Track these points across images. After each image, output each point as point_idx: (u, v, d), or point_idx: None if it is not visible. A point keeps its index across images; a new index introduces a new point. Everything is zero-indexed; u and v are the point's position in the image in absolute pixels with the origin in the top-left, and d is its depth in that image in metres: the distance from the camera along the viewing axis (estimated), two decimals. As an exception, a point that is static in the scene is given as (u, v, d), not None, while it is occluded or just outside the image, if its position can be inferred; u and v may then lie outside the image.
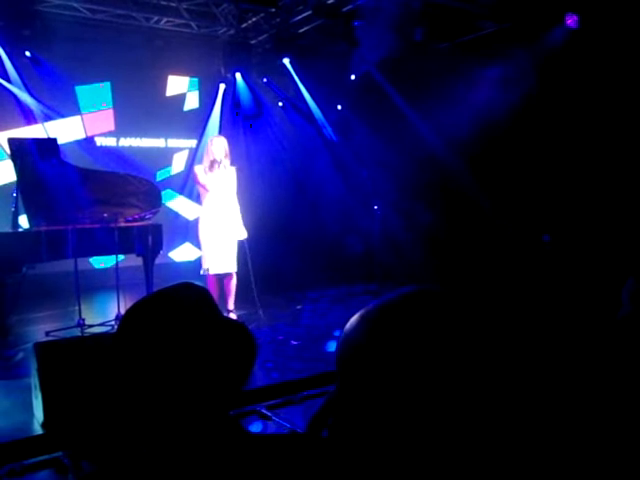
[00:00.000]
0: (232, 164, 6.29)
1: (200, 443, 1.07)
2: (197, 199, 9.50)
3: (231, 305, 6.36)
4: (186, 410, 1.06)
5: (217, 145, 6.14)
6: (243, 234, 6.27)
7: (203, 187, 6.13)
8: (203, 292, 1.15)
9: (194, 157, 9.79)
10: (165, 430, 1.06)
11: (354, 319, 0.91)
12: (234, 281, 6.29)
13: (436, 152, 8.00)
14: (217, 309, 1.14)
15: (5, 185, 8.32)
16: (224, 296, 6.31)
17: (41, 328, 6.20)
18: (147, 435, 1.09)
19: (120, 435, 3.14)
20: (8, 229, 5.87)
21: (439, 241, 8.02)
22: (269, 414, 3.94)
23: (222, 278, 6.26)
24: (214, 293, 6.12)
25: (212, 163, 6.10)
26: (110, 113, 9.45)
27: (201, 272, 6.12)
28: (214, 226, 6.07)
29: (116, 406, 1.08)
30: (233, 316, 6.31)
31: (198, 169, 6.21)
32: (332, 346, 5.44)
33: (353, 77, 9.08)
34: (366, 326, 0.88)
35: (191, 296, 1.13)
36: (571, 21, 7.16)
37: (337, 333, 5.88)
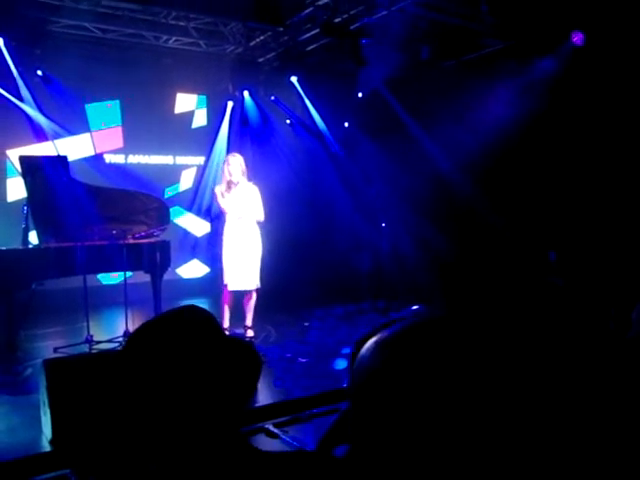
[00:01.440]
0: (249, 180, 6.32)
1: (209, 460, 1.08)
2: (205, 216, 9.60)
3: (249, 322, 6.36)
4: (193, 427, 1.07)
5: (233, 164, 6.17)
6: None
7: (222, 208, 6.20)
8: (206, 314, 1.17)
9: (202, 174, 9.86)
10: (173, 447, 1.07)
11: (369, 345, 0.92)
12: (254, 299, 6.31)
13: (443, 169, 8.02)
14: (220, 329, 1.16)
15: (15, 201, 8.39)
16: (242, 312, 6.33)
17: (49, 344, 6.21)
18: (155, 453, 1.10)
19: (128, 453, 3.14)
20: (18, 245, 5.92)
21: (447, 258, 8.01)
22: (277, 432, 3.93)
23: (241, 295, 6.30)
24: (228, 308, 6.16)
25: (229, 184, 6.14)
26: (119, 130, 9.54)
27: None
28: (234, 244, 6.14)
29: (123, 424, 1.09)
30: (250, 333, 6.32)
31: (217, 189, 6.26)
32: (340, 364, 5.43)
33: (360, 95, 9.14)
34: (381, 353, 0.89)
35: (194, 318, 1.15)
36: (577, 39, 7.20)
37: (345, 351, 5.86)
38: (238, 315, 6.38)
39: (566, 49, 7.25)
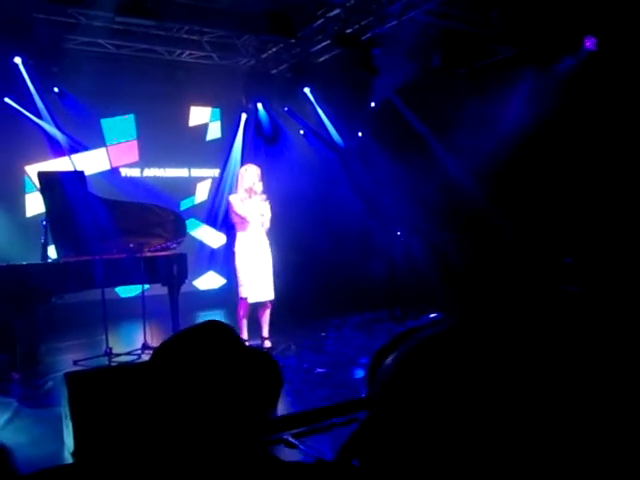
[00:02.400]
0: (263, 193, 6.29)
1: (231, 471, 1.10)
2: (221, 227, 9.64)
3: (266, 332, 6.36)
4: (216, 439, 1.09)
5: (251, 173, 6.19)
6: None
7: (242, 217, 6.14)
8: (228, 328, 1.20)
9: (218, 186, 9.93)
10: (196, 458, 1.10)
11: (390, 358, 0.94)
12: (269, 309, 6.31)
13: (457, 176, 8.02)
14: (243, 343, 1.19)
15: (34, 217, 8.49)
16: (258, 323, 6.32)
17: (69, 357, 6.28)
18: (178, 464, 1.12)
19: (149, 464, 3.17)
20: (38, 260, 5.99)
21: (462, 266, 8.00)
22: (295, 442, 3.94)
23: (257, 306, 6.27)
24: (245, 320, 6.15)
25: (250, 191, 6.14)
26: (134, 144, 9.63)
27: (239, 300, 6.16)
28: (250, 255, 6.10)
29: (147, 436, 1.11)
30: (268, 343, 6.31)
31: (234, 199, 6.21)
32: (358, 373, 5.43)
33: (373, 104, 9.17)
34: (402, 366, 0.91)
35: (218, 332, 1.17)
36: (590, 43, 7.19)
37: (363, 360, 5.86)
38: (251, 326, 6.38)
39: (579, 54, 7.24)
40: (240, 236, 6.21)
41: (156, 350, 1.15)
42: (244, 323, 6.19)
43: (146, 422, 1.15)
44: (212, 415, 1.08)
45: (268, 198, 6.31)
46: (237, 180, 6.37)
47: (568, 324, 1.33)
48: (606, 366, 1.18)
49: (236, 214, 6.18)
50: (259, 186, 6.16)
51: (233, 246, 6.35)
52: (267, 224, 6.27)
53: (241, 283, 6.13)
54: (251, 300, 6.10)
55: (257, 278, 6.08)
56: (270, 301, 6.25)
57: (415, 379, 0.88)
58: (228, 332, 1.18)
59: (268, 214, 6.25)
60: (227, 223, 8.25)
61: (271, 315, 6.35)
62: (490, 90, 7.78)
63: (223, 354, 1.13)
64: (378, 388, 0.94)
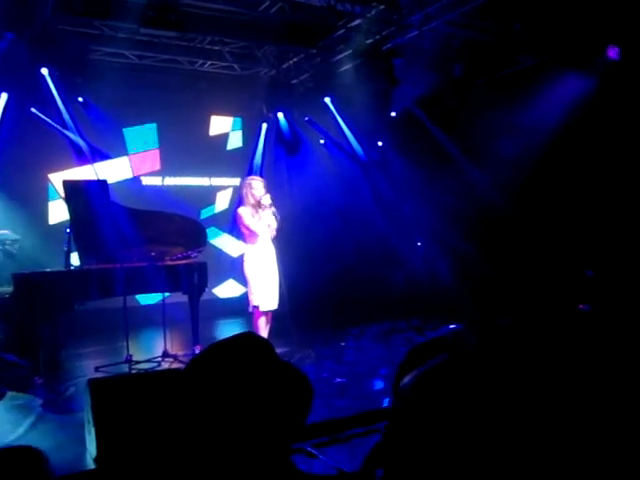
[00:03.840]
0: (272, 205, 6.16)
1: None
2: (240, 236, 9.68)
3: None
4: (245, 451, 1.11)
5: (258, 186, 6.09)
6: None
7: (252, 231, 6.04)
8: (262, 341, 1.21)
9: (238, 195, 9.99)
10: (225, 468, 1.11)
11: (414, 375, 0.96)
12: (271, 317, 6.26)
13: (478, 187, 7.99)
14: (276, 356, 1.20)
15: (57, 224, 8.62)
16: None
17: (90, 363, 6.34)
18: (206, 473, 1.14)
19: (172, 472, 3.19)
20: (61, 267, 6.07)
21: (483, 277, 7.96)
22: (315, 452, 3.94)
23: (265, 314, 6.21)
24: (261, 329, 6.13)
25: (259, 205, 6.05)
26: (156, 153, 9.74)
27: (250, 309, 6.12)
28: (262, 264, 6.06)
29: (172, 444, 1.13)
30: None
31: (244, 212, 6.09)
32: (377, 384, 5.42)
33: (393, 114, 9.19)
34: (426, 384, 0.93)
35: (251, 345, 1.19)
36: (613, 53, 7.14)
37: (382, 371, 5.84)
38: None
39: (602, 63, 7.19)
40: (250, 247, 6.14)
41: (191, 361, 1.18)
42: (260, 330, 6.13)
43: (174, 429, 1.17)
44: (241, 427, 1.09)
45: (275, 208, 6.18)
46: (243, 192, 6.21)
47: (582, 346, 1.33)
48: (620, 387, 1.18)
49: (246, 227, 6.08)
50: (267, 199, 6.05)
51: (243, 255, 6.28)
52: (273, 233, 6.22)
53: (253, 291, 6.07)
54: (262, 308, 6.06)
55: (267, 287, 6.06)
56: (272, 310, 6.22)
57: (434, 397, 0.90)
58: (262, 345, 1.20)
59: (274, 224, 6.18)
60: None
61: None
62: (511, 99, 7.74)
63: (256, 367, 1.14)
64: (399, 404, 0.95)
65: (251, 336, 1.22)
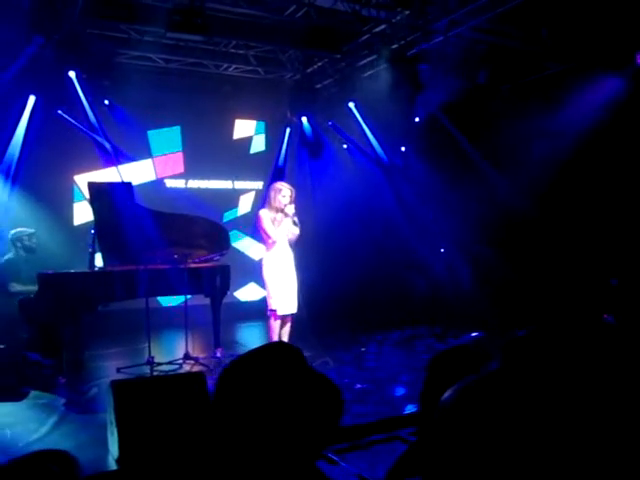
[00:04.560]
0: (295, 216, 6.09)
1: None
2: (260, 240, 9.70)
3: None
4: (276, 459, 1.11)
5: (285, 194, 6.02)
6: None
7: (270, 236, 6.01)
8: (294, 350, 1.21)
9: (261, 199, 10.02)
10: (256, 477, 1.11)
11: (453, 391, 0.97)
12: (291, 322, 6.23)
13: (502, 193, 7.92)
14: (307, 365, 1.20)
15: (81, 225, 8.71)
16: (280, 336, 6.19)
17: (112, 364, 6.39)
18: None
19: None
20: (85, 268, 6.13)
21: (505, 283, 7.89)
22: (336, 459, 3.93)
23: (282, 319, 6.14)
24: (276, 333, 6.11)
25: (280, 211, 6.02)
26: (180, 156, 9.82)
27: (268, 313, 6.11)
28: (280, 269, 6.04)
29: (209, 451, 1.14)
30: None
31: (264, 214, 6.05)
32: (398, 390, 5.39)
33: (417, 119, 9.16)
34: (463, 400, 0.94)
35: (283, 354, 1.19)
36: (642, 60, 7.05)
37: (403, 377, 5.81)
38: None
39: (631, 70, 7.10)
40: (269, 251, 6.11)
41: (223, 369, 1.18)
42: (276, 335, 6.09)
43: (206, 436, 1.18)
44: (272, 435, 1.09)
45: (298, 218, 6.10)
46: (269, 195, 6.15)
47: (608, 358, 1.32)
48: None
49: (264, 231, 6.04)
50: (291, 208, 5.99)
51: (262, 259, 6.24)
52: (291, 237, 6.14)
53: (271, 295, 6.04)
54: (280, 312, 6.03)
55: (286, 291, 6.04)
56: (292, 315, 6.20)
57: (477, 411, 0.90)
58: (295, 354, 1.20)
59: (295, 231, 6.11)
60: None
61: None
62: (537, 106, 7.68)
63: (288, 376, 1.14)
64: (441, 417, 0.95)
65: (283, 345, 1.22)
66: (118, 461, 3.61)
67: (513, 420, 0.89)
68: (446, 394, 0.98)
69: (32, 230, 6.68)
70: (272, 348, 1.21)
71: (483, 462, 0.88)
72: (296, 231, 6.11)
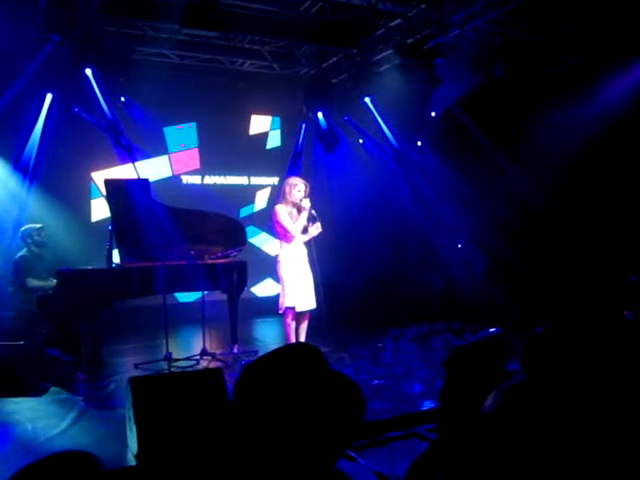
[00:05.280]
0: (312, 209, 6.07)
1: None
2: (275, 235, 9.70)
3: (303, 340, 6.29)
4: (297, 459, 1.10)
5: (299, 189, 6.02)
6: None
7: (286, 230, 5.99)
8: (315, 351, 1.20)
9: (277, 194, 10.03)
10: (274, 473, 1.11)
11: (495, 395, 0.97)
12: (308, 319, 6.19)
13: (521, 189, 7.85)
14: (328, 367, 1.19)
15: (98, 221, 8.78)
16: (296, 331, 6.15)
17: (130, 360, 6.42)
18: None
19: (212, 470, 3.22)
20: (102, 265, 6.17)
21: (523, 280, 7.83)
22: (354, 455, 3.92)
23: (298, 315, 6.10)
24: (292, 331, 6.07)
25: (297, 207, 6.02)
26: (196, 152, 9.84)
27: (280, 310, 6.07)
28: (297, 265, 6.02)
29: (230, 450, 1.14)
30: None
31: (281, 210, 6.03)
32: (415, 387, 5.37)
33: (434, 114, 9.10)
34: (505, 402, 0.94)
35: (305, 355, 1.18)
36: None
37: (420, 374, 5.79)
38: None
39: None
40: (285, 246, 6.08)
41: (244, 368, 1.17)
42: (292, 332, 6.07)
43: (227, 436, 1.18)
44: (293, 435, 1.08)
45: (317, 213, 6.09)
46: (284, 190, 6.14)
47: (628, 355, 1.31)
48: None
49: (280, 225, 6.03)
50: (307, 202, 5.99)
51: (278, 255, 6.20)
52: (314, 234, 6.11)
53: (287, 292, 5.99)
54: (299, 309, 6.00)
55: (303, 287, 6.01)
56: (310, 311, 6.17)
57: (520, 416, 0.90)
58: (316, 355, 1.19)
59: (319, 227, 6.08)
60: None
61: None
62: (555, 99, 7.60)
63: (309, 376, 1.13)
64: (482, 426, 0.96)
65: (304, 346, 1.22)
66: (137, 457, 3.63)
67: (555, 423, 0.91)
68: (488, 401, 0.98)
69: (40, 225, 6.73)
70: (293, 349, 1.21)
71: (530, 467, 0.89)
72: (319, 227, 6.09)
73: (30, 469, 1.00)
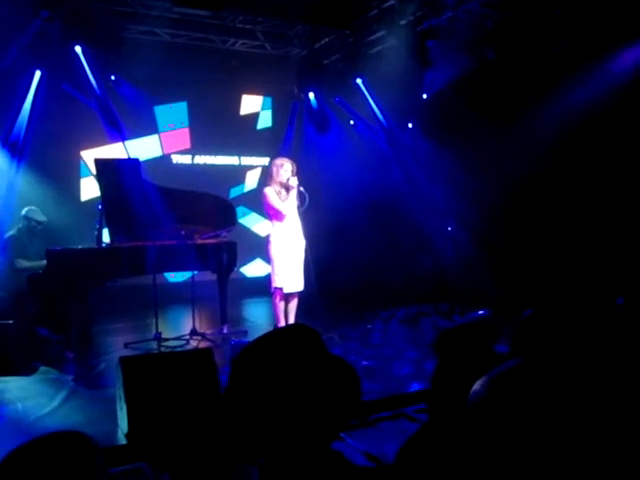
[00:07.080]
0: (300, 187, 6.10)
1: (304, 473, 1.13)
2: (266, 216, 9.69)
3: (292, 322, 6.31)
4: (294, 441, 1.12)
5: (286, 169, 6.04)
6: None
7: (278, 210, 6.01)
8: (313, 333, 1.21)
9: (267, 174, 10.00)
10: (274, 457, 1.13)
11: (485, 380, 0.99)
12: (297, 299, 6.23)
13: (511, 172, 7.86)
14: (326, 349, 1.21)
15: (88, 201, 8.73)
16: (285, 312, 6.19)
17: (120, 339, 6.44)
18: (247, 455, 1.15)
19: (202, 450, 3.26)
20: (92, 244, 6.16)
21: (511, 262, 7.88)
22: (343, 435, 3.96)
23: (287, 296, 6.14)
24: (281, 311, 6.11)
25: (286, 187, 6.04)
26: (186, 132, 9.79)
27: (272, 290, 6.09)
28: (288, 245, 6.03)
29: (226, 427, 1.15)
30: None
31: (270, 191, 6.05)
32: (404, 368, 5.41)
33: (425, 96, 9.07)
34: (496, 389, 0.96)
35: (302, 336, 1.19)
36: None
37: (409, 354, 5.84)
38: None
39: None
40: (276, 226, 6.09)
41: (242, 350, 1.18)
42: (280, 312, 6.12)
43: (224, 415, 1.19)
44: (290, 416, 1.10)
45: (303, 188, 6.09)
46: (271, 171, 6.18)
47: (617, 341, 1.33)
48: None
49: (271, 207, 6.05)
50: (294, 181, 6.01)
51: (269, 235, 6.22)
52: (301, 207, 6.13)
53: (276, 272, 6.03)
54: (286, 290, 6.04)
55: (291, 268, 6.04)
56: (298, 292, 6.20)
57: (510, 399, 0.92)
58: (314, 337, 1.21)
59: (300, 203, 6.09)
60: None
61: (299, 305, 6.28)
62: (547, 83, 7.59)
63: (306, 358, 1.15)
64: (470, 411, 0.98)
65: (302, 327, 1.23)
66: (127, 436, 3.66)
67: (543, 411, 0.93)
68: (476, 386, 0.99)
69: (44, 219, 6.71)
70: (291, 331, 1.22)
71: (516, 450, 0.93)
72: (301, 203, 6.09)
73: (25, 449, 1.01)
